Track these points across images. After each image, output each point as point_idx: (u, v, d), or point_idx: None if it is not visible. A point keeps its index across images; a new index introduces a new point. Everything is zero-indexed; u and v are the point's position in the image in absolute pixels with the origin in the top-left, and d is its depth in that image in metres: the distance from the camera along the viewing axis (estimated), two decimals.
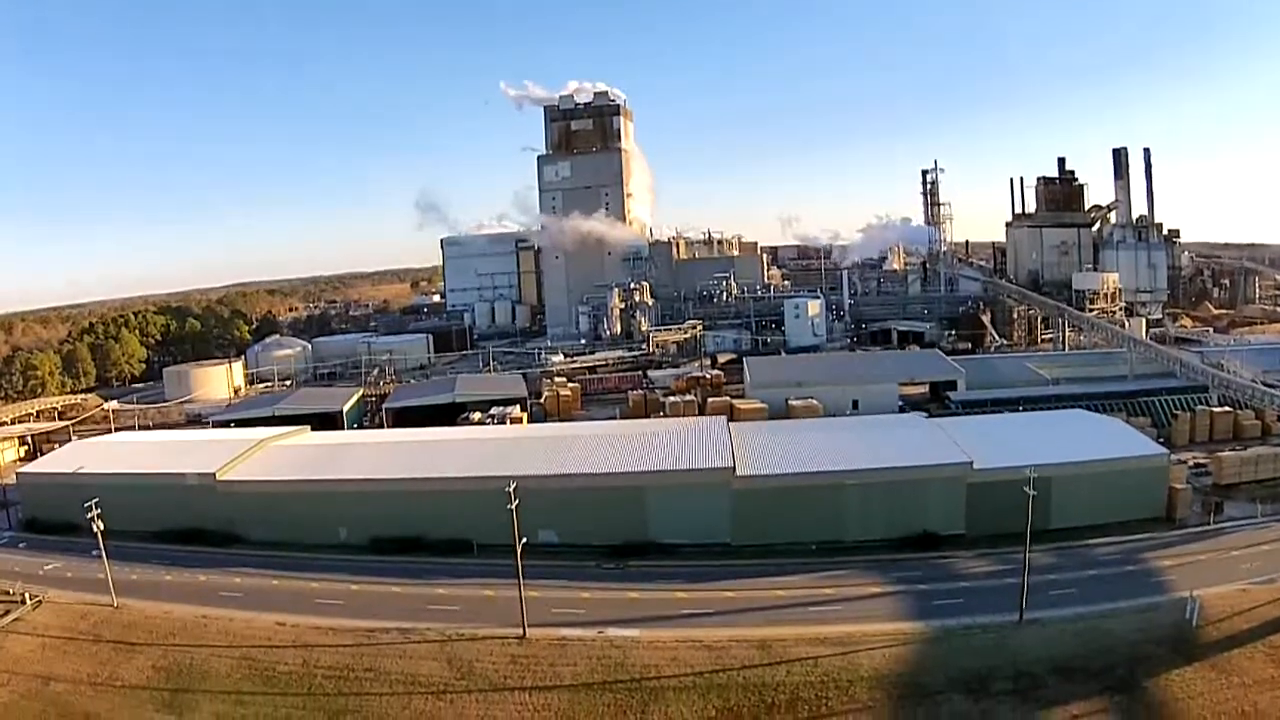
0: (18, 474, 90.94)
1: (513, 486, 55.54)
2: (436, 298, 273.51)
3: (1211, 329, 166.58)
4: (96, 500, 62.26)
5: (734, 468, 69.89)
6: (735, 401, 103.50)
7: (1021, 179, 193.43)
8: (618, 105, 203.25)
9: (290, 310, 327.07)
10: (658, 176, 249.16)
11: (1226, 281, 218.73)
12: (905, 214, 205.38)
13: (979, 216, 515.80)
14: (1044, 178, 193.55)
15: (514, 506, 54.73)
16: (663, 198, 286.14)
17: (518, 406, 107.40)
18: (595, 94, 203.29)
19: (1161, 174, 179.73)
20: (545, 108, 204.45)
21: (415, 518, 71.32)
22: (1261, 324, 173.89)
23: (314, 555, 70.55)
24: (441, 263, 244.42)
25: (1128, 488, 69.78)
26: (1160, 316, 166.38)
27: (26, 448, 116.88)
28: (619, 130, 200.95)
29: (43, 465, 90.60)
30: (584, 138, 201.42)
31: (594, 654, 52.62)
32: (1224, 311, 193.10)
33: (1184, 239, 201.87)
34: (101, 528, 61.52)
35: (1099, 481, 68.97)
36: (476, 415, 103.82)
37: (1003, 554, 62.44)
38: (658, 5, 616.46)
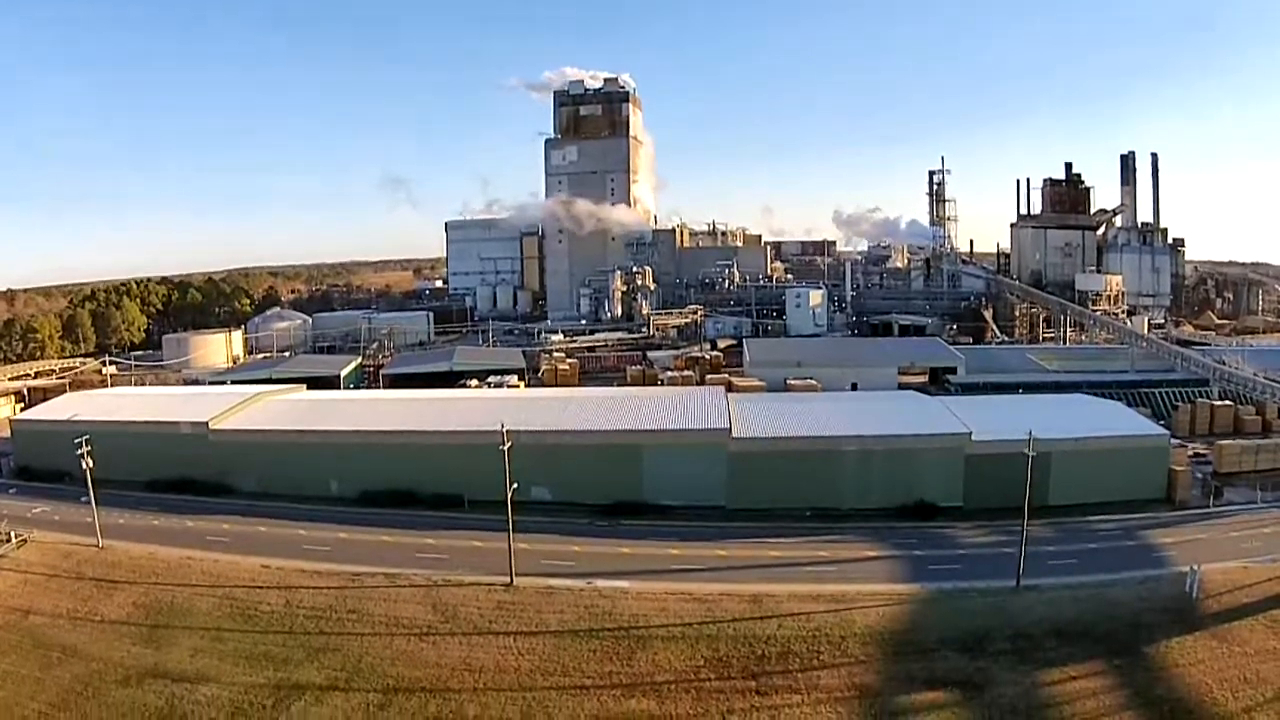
0: (12, 422, 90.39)
1: (504, 428, 54.81)
2: (439, 283, 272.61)
3: (1214, 332, 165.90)
4: (87, 436, 61.63)
5: (730, 429, 69.19)
6: (734, 379, 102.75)
7: (1028, 180, 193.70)
8: (627, 92, 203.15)
9: (292, 292, 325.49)
10: (661, 168, 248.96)
11: (1229, 294, 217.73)
12: (905, 216, 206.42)
13: (980, 225, 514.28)
14: (1050, 179, 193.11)
15: (506, 449, 54.00)
16: (665, 189, 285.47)
17: (515, 376, 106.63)
18: (605, 80, 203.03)
19: (1167, 190, 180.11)
20: (555, 92, 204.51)
21: (407, 472, 70.66)
22: (1265, 332, 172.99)
23: (304, 506, 69.95)
24: (445, 252, 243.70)
25: (1128, 467, 69.04)
26: (1162, 321, 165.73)
27: (23, 404, 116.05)
28: (627, 117, 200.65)
29: (36, 414, 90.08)
30: (592, 123, 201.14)
31: (582, 602, 51.99)
32: (1226, 321, 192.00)
33: (1188, 254, 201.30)
34: (90, 465, 61.05)
35: (1099, 459, 68.27)
36: (474, 383, 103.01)
37: (1000, 525, 61.60)
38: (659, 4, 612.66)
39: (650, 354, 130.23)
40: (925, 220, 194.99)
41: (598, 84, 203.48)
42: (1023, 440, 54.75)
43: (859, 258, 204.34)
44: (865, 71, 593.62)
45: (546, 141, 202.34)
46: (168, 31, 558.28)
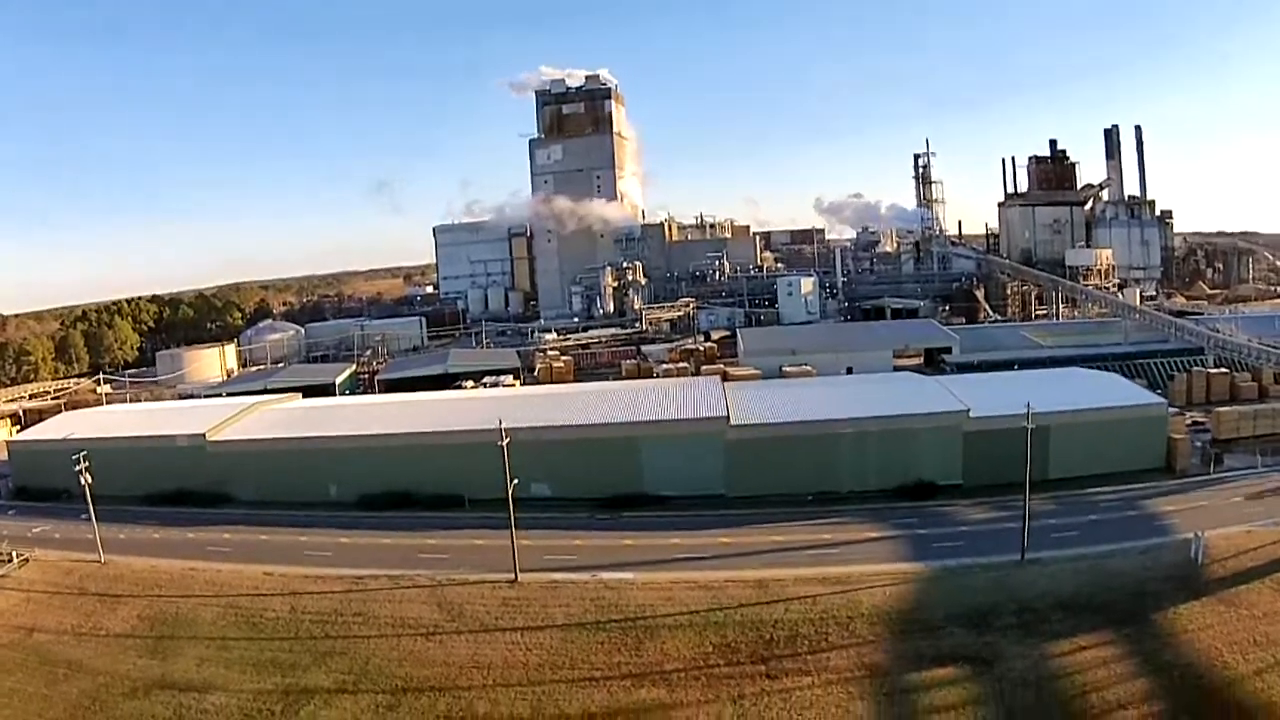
0: (8, 442, 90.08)
1: (503, 425, 54.67)
2: (429, 289, 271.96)
3: (1206, 302, 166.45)
4: (84, 452, 61.41)
5: (728, 417, 69.11)
6: (729, 369, 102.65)
7: (1013, 158, 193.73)
8: (609, 89, 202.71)
9: (284, 304, 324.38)
10: (645, 163, 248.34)
11: (1219, 264, 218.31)
12: (886, 200, 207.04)
13: (967, 206, 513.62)
14: (1035, 157, 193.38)
15: (505, 444, 53.88)
16: (652, 183, 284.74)
17: (511, 375, 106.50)
18: (586, 78, 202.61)
19: (1152, 163, 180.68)
20: (536, 92, 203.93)
21: (406, 473, 70.38)
22: (1256, 300, 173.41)
23: (304, 512, 69.88)
24: (434, 257, 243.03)
25: (1127, 437, 68.95)
26: (1154, 293, 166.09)
27: (19, 426, 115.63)
28: (610, 113, 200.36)
29: (33, 434, 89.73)
30: (575, 121, 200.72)
31: (587, 595, 51.80)
32: (1217, 291, 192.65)
33: (1177, 226, 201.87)
34: (89, 480, 60.78)
35: (1098, 431, 68.16)
36: (469, 384, 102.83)
37: (1000, 501, 61.68)
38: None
39: (644, 348, 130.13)
40: (911, 204, 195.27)
41: (578, 82, 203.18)
42: (1020, 415, 54.66)
43: (848, 244, 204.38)
44: (846, 58, 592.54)
45: (531, 142, 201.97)
46: (169, 38, 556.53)
